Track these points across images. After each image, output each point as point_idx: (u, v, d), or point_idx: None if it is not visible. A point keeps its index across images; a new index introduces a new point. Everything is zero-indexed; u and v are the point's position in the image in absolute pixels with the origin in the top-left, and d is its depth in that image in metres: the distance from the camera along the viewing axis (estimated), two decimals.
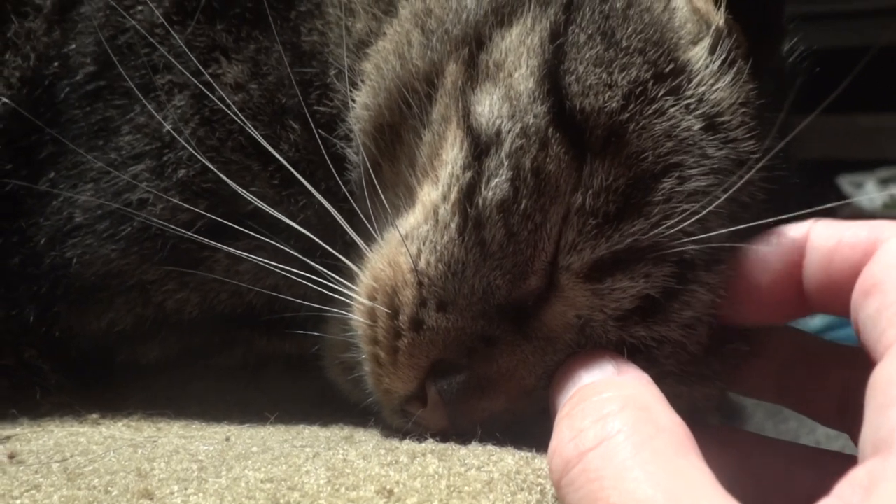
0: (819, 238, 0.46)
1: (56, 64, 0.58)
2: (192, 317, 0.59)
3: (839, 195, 2.68)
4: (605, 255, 0.48)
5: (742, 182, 0.48)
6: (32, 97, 0.58)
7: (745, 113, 0.51)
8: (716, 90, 0.50)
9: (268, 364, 0.64)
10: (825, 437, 1.11)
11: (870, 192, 2.62)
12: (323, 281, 0.53)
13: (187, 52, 0.56)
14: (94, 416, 0.55)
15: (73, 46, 0.58)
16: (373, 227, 0.55)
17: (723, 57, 0.51)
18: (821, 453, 0.52)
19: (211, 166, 0.54)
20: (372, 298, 0.53)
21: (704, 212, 0.47)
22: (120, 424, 0.54)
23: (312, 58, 0.58)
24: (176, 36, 0.56)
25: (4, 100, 0.57)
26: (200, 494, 0.42)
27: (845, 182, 2.71)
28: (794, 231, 0.47)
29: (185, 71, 0.56)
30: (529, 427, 0.50)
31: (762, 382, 0.54)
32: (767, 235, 0.48)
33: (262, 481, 0.44)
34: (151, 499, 0.42)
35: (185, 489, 0.43)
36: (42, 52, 0.58)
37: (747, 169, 0.49)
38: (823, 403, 0.49)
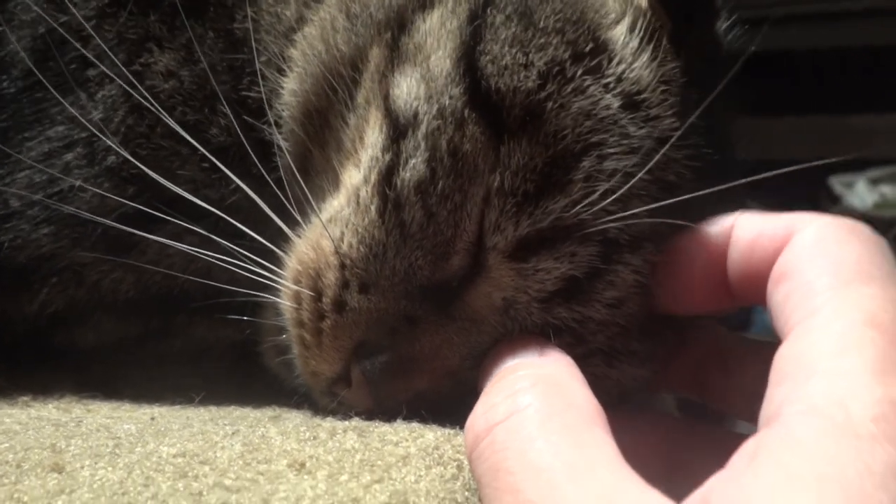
0: (742, 229, 0.47)
1: None
2: (129, 297, 0.59)
3: (830, 195, 2.68)
4: (530, 233, 0.48)
5: (660, 157, 0.48)
6: None
7: (666, 91, 0.51)
8: (635, 68, 0.51)
9: (209, 350, 0.64)
10: None
11: (860, 192, 2.61)
12: (250, 266, 0.54)
13: (117, 45, 0.56)
14: (26, 398, 0.56)
15: (11, 39, 0.59)
16: (303, 211, 0.55)
17: (641, 35, 0.51)
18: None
19: (129, 157, 0.55)
20: (297, 282, 0.53)
21: (624, 188, 0.48)
22: (50, 406, 0.55)
23: (245, 44, 0.59)
24: (105, 29, 0.57)
25: None
26: (110, 468, 0.42)
27: (836, 182, 2.70)
28: (720, 223, 0.48)
29: (115, 62, 0.56)
30: (460, 407, 0.51)
31: (682, 377, 0.54)
32: (696, 227, 0.49)
33: (173, 456, 0.44)
34: (61, 472, 0.42)
35: (96, 463, 0.43)
36: None
37: (669, 147, 0.49)
38: (739, 398, 0.49)
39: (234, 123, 0.56)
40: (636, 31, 0.51)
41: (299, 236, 0.55)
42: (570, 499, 0.35)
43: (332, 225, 0.52)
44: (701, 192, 0.48)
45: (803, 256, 0.42)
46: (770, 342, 0.48)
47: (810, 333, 0.38)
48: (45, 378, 0.59)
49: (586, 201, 0.47)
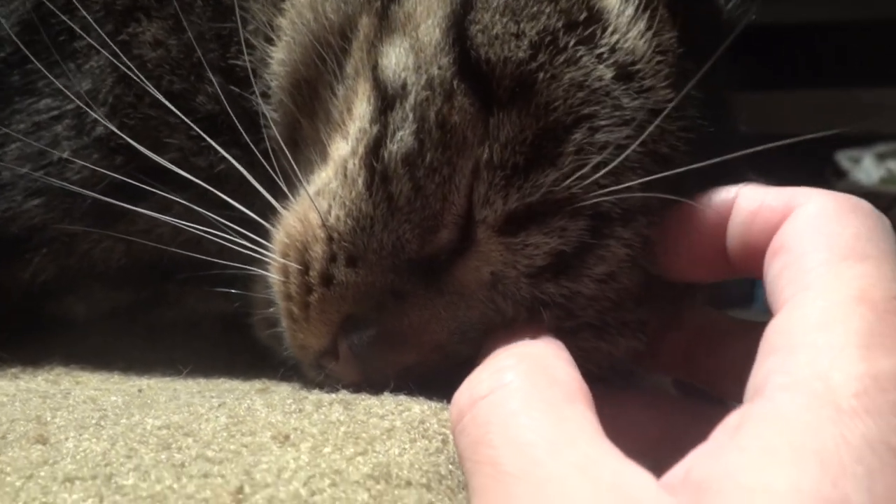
0: (744, 201, 0.46)
1: None
2: (121, 264, 0.59)
3: (836, 170, 2.66)
4: (519, 206, 0.47)
5: (654, 129, 0.47)
6: None
7: (661, 61, 0.50)
8: (629, 38, 0.49)
9: (200, 324, 0.64)
10: None
11: (867, 167, 2.59)
12: (237, 239, 0.53)
13: (104, 16, 0.56)
14: (15, 369, 0.56)
15: (1, 13, 0.59)
16: (291, 183, 0.55)
17: (637, 4, 0.50)
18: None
19: (115, 129, 0.55)
20: (285, 255, 0.53)
21: (616, 161, 0.47)
22: (39, 378, 0.55)
23: (232, 12, 0.58)
24: (85, 7, 0.56)
25: None
26: (94, 440, 0.43)
27: (843, 157, 2.68)
28: (724, 193, 0.47)
29: (101, 33, 0.56)
30: (448, 381, 0.50)
31: (672, 357, 0.54)
32: (699, 195, 0.48)
33: (158, 428, 0.44)
34: (45, 444, 0.43)
35: (80, 435, 0.43)
36: None
37: (664, 118, 0.48)
38: (727, 378, 0.49)
39: (221, 92, 0.56)
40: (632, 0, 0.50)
41: (287, 208, 0.55)
42: (550, 472, 0.35)
43: (319, 197, 0.52)
44: (695, 166, 0.47)
45: (801, 231, 0.42)
46: (759, 323, 0.48)
47: (800, 308, 0.38)
48: (35, 349, 0.59)
49: (578, 174, 0.47)
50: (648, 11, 0.50)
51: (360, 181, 0.50)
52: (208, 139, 0.54)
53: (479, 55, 0.48)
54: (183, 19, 0.57)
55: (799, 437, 0.32)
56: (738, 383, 0.46)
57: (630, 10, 0.50)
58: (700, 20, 0.52)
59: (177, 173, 0.54)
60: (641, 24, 0.50)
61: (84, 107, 0.56)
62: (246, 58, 0.56)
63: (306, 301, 0.51)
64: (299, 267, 0.52)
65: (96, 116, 0.55)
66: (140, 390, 0.52)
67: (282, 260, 0.53)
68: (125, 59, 0.55)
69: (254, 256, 0.55)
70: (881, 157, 2.58)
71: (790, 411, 0.33)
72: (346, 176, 0.51)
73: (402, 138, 0.49)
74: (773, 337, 0.38)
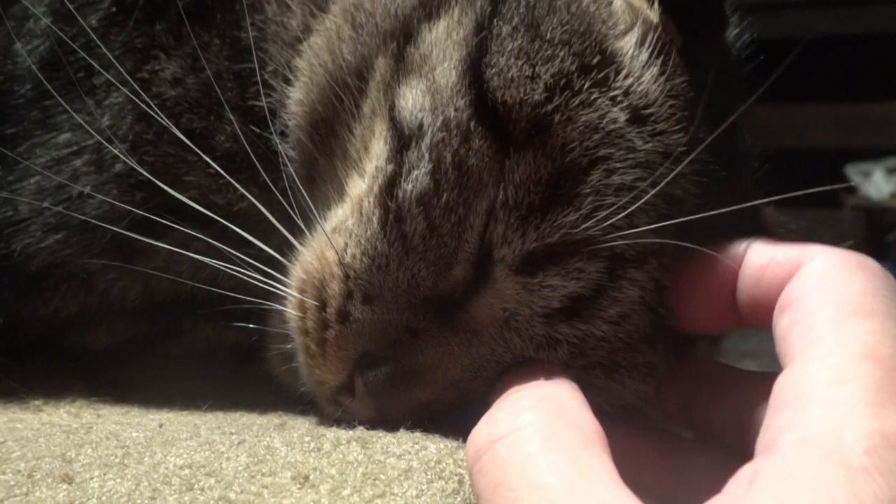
0: (754, 255, 0.48)
1: (8, 66, 0.60)
2: (136, 304, 0.60)
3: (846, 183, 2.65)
4: (538, 247, 0.48)
5: (672, 175, 0.48)
6: None
7: (674, 105, 0.50)
8: (643, 82, 0.50)
9: (216, 353, 0.65)
10: None
11: (877, 181, 2.59)
12: (255, 275, 0.54)
13: (124, 53, 0.57)
14: (38, 402, 0.57)
15: (20, 51, 0.60)
16: (308, 220, 0.56)
17: (651, 49, 0.51)
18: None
19: (136, 166, 0.55)
20: (302, 291, 0.54)
21: (636, 204, 0.48)
22: (61, 411, 0.56)
23: (251, 53, 0.59)
24: (111, 38, 0.57)
25: None
26: (118, 479, 0.43)
27: (853, 171, 2.68)
28: (735, 247, 0.49)
29: (121, 69, 0.57)
30: (462, 418, 0.51)
31: (674, 404, 0.54)
32: (711, 243, 0.50)
33: (180, 467, 0.45)
34: (71, 483, 0.43)
35: (105, 474, 0.44)
36: None
37: (675, 162, 0.49)
38: (729, 427, 0.50)
39: (240, 131, 0.57)
40: (646, 45, 0.51)
41: (304, 245, 0.55)
42: None
43: (336, 235, 0.53)
44: (707, 214, 0.48)
45: (809, 287, 0.43)
46: (760, 373, 0.51)
47: (809, 363, 0.39)
48: (56, 381, 0.60)
49: (596, 216, 0.47)
50: (662, 56, 0.51)
51: (376, 220, 0.51)
52: (228, 177, 0.55)
53: (495, 98, 0.49)
54: (201, 58, 0.58)
55: (812, 496, 0.32)
56: (739, 433, 0.47)
57: (644, 56, 0.51)
58: (710, 63, 0.52)
59: (196, 210, 0.55)
60: (654, 69, 0.51)
61: (104, 143, 0.57)
62: (263, 98, 0.57)
63: (323, 337, 0.52)
64: (316, 304, 0.53)
65: (116, 152, 0.56)
66: (161, 425, 0.53)
67: (299, 296, 0.54)
68: (145, 96, 0.56)
69: (270, 292, 0.55)
70: (891, 171, 2.58)
71: (803, 469, 0.34)
72: (361, 214, 0.52)
73: (418, 178, 0.49)
74: (783, 391, 0.39)
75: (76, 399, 0.58)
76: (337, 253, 0.52)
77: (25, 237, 0.58)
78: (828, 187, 0.50)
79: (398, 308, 0.51)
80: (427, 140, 0.50)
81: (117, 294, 0.60)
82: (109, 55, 0.57)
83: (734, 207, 0.48)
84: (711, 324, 0.52)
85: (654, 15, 0.51)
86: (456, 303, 0.51)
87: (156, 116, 0.55)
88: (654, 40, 0.51)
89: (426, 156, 0.50)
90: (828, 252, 0.44)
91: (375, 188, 0.51)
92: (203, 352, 0.64)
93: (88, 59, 0.57)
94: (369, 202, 0.52)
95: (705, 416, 0.52)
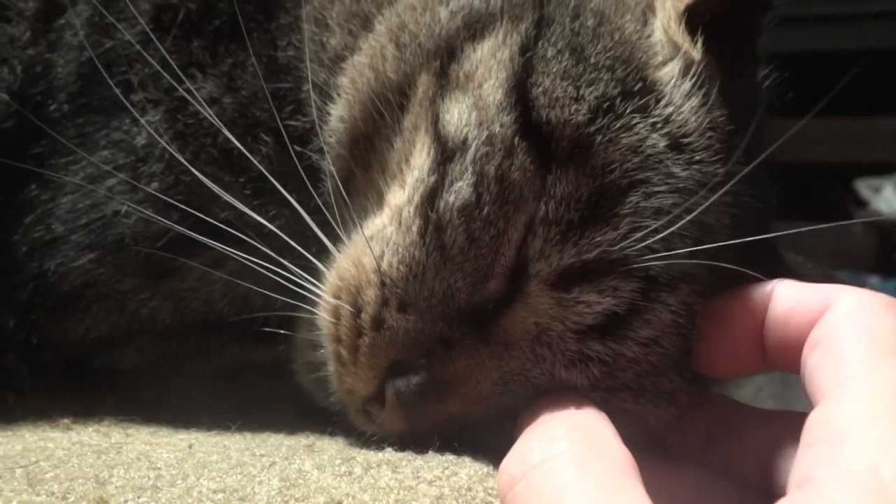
0: (781, 296, 0.49)
1: (43, 82, 0.60)
2: (166, 324, 0.60)
3: (856, 199, 2.65)
4: (574, 263, 0.49)
5: (707, 204, 0.49)
6: (21, 115, 0.59)
7: (712, 137, 0.52)
8: (683, 112, 0.52)
9: (242, 371, 0.65)
10: None
11: (888, 196, 2.58)
12: (289, 279, 0.54)
13: (160, 70, 0.57)
14: (67, 420, 0.57)
15: (59, 63, 0.60)
16: (342, 230, 0.56)
17: (693, 81, 0.52)
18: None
19: (196, 170, 0.56)
20: (336, 297, 0.54)
21: (672, 228, 0.49)
22: (90, 430, 0.56)
23: (287, 72, 0.60)
24: (149, 55, 0.57)
25: None
26: (152, 503, 0.44)
27: (863, 186, 2.67)
28: (761, 289, 0.49)
29: (158, 88, 0.57)
30: (489, 438, 0.51)
31: (691, 439, 0.54)
32: (735, 290, 0.51)
33: (214, 491, 0.45)
34: None
35: (139, 497, 0.44)
36: (28, 65, 0.60)
37: (710, 191, 0.49)
38: (745, 463, 0.50)
39: (276, 150, 0.57)
40: (688, 78, 0.52)
41: (340, 252, 0.55)
42: None
43: (373, 242, 0.53)
44: (737, 241, 0.49)
45: (840, 326, 0.43)
46: (779, 411, 0.52)
47: (843, 400, 0.39)
48: (84, 399, 0.60)
49: (633, 237, 0.48)
50: (703, 90, 0.52)
51: (415, 229, 0.51)
52: (279, 187, 0.55)
53: (540, 116, 0.50)
54: (237, 77, 0.58)
55: None
56: (760, 470, 0.48)
57: (687, 86, 0.52)
58: (745, 99, 0.54)
59: (230, 230, 0.55)
60: (695, 101, 0.52)
61: (139, 162, 0.57)
62: (307, 117, 0.58)
63: (356, 344, 0.52)
64: (351, 309, 0.53)
65: (151, 171, 0.57)
66: (190, 445, 0.53)
67: (333, 301, 0.54)
68: (186, 112, 0.56)
69: (298, 306, 0.56)
70: None
71: (843, 503, 0.34)
72: (400, 223, 0.52)
73: (460, 189, 0.50)
74: (817, 427, 0.39)
75: (104, 418, 0.58)
76: (374, 260, 0.52)
77: (58, 256, 0.58)
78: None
79: (432, 318, 0.51)
80: (471, 153, 0.51)
81: (148, 314, 0.60)
82: (147, 71, 0.57)
83: (763, 237, 0.49)
84: (738, 367, 0.53)
85: (695, 52, 0.53)
86: (489, 315, 0.51)
87: (192, 136, 0.55)
88: (696, 74, 0.52)
89: (469, 168, 0.50)
90: (856, 292, 0.45)
91: (416, 198, 0.52)
92: (229, 370, 0.64)
93: (126, 75, 0.57)
94: (409, 212, 0.52)
95: (725, 453, 0.52)
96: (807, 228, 0.54)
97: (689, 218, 0.49)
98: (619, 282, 0.49)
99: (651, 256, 0.48)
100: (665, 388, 0.52)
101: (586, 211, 0.49)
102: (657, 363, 0.51)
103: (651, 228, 0.48)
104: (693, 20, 0.53)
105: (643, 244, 0.48)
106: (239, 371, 0.65)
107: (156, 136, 0.56)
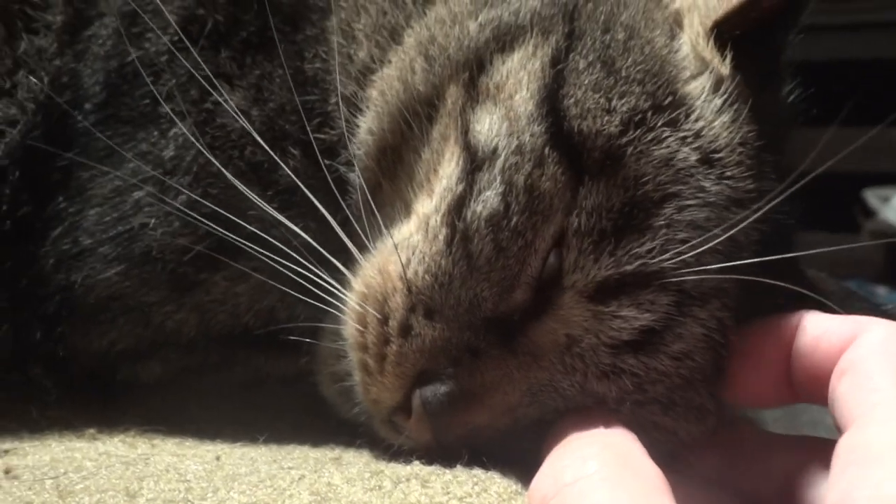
0: (810, 326, 0.49)
1: (69, 92, 0.60)
2: (191, 337, 0.60)
3: (865, 209, 2.64)
4: (613, 275, 0.49)
5: (745, 222, 0.49)
6: (47, 125, 0.59)
7: (742, 153, 0.52)
8: (714, 127, 0.52)
9: (264, 382, 0.65)
10: None
11: None
12: (317, 289, 0.54)
13: (188, 81, 0.57)
14: (92, 430, 0.57)
15: (85, 73, 0.60)
16: (368, 239, 0.56)
17: (724, 98, 0.53)
18: None
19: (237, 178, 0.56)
20: (363, 305, 0.54)
21: (710, 244, 0.49)
22: (116, 440, 0.56)
23: (315, 85, 0.60)
24: (177, 66, 0.57)
25: (20, 127, 0.58)
26: None
27: (871, 196, 2.67)
28: (789, 319, 0.50)
29: (186, 99, 0.57)
30: (515, 451, 0.51)
31: (711, 461, 0.54)
32: (763, 320, 0.51)
33: None
34: None
35: None
36: (54, 76, 0.60)
37: (744, 208, 0.50)
38: (768, 488, 0.50)
39: (304, 163, 0.57)
40: (719, 93, 0.53)
41: (365, 260, 0.55)
42: None
43: (399, 250, 0.53)
44: (766, 259, 0.50)
45: (869, 354, 0.44)
46: (798, 437, 0.53)
47: (874, 425, 0.40)
48: (108, 409, 0.60)
49: (670, 249, 0.48)
50: (736, 105, 0.52)
51: (442, 238, 0.51)
52: (311, 196, 0.56)
53: (571, 126, 0.50)
54: (265, 89, 0.58)
55: None
56: (784, 495, 0.48)
57: (718, 102, 0.52)
58: (770, 113, 0.55)
59: (257, 243, 0.55)
60: (726, 117, 0.52)
61: (167, 174, 0.57)
62: (335, 129, 0.58)
63: (383, 353, 0.52)
64: (378, 316, 0.52)
65: (178, 184, 0.57)
66: (218, 457, 0.53)
67: (359, 308, 0.53)
68: (213, 125, 0.56)
69: (327, 314, 0.55)
70: None
71: None
72: (427, 231, 0.52)
73: (488, 199, 0.50)
74: (850, 451, 0.40)
75: (129, 428, 0.57)
76: (401, 267, 0.52)
77: (85, 269, 0.58)
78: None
79: (459, 326, 0.51)
80: (500, 163, 0.51)
81: (173, 327, 0.60)
82: (174, 82, 0.57)
83: (790, 255, 0.50)
84: (765, 397, 0.53)
85: (725, 68, 0.53)
86: (515, 326, 0.51)
87: (220, 149, 0.55)
88: (726, 90, 0.52)
89: (498, 178, 0.50)
90: (885, 323, 0.46)
91: (443, 207, 0.52)
92: (252, 381, 0.64)
93: (153, 86, 0.57)
94: (436, 220, 0.52)
95: (746, 477, 0.52)
96: (844, 246, 0.54)
97: (726, 235, 0.49)
98: (655, 295, 0.49)
99: (687, 270, 0.48)
100: (695, 403, 0.52)
101: (620, 221, 0.49)
102: (688, 377, 0.51)
103: (688, 242, 0.48)
104: (721, 36, 0.53)
105: (679, 257, 0.48)
106: (261, 382, 0.65)
107: (192, 138, 0.56)
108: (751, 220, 0.49)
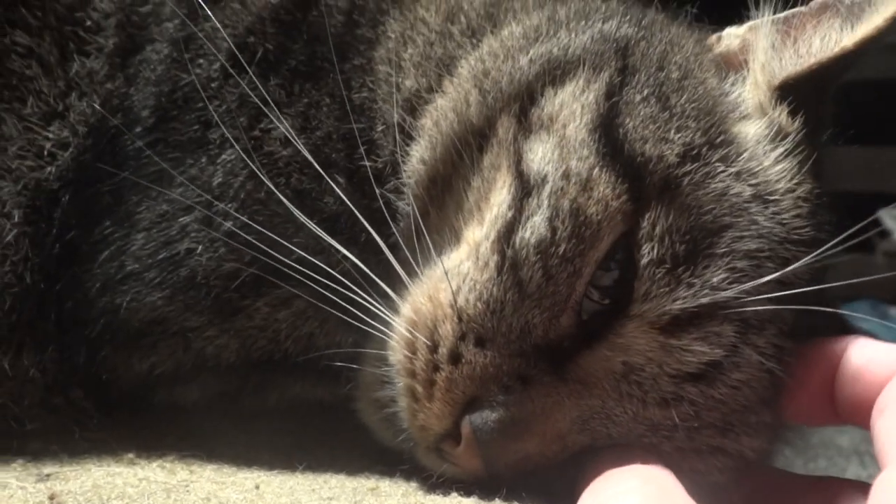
0: (854, 354, 0.50)
1: (119, 115, 0.60)
2: (230, 362, 0.60)
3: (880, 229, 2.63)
4: (689, 307, 0.49)
5: (799, 264, 0.51)
6: (97, 149, 0.59)
7: (803, 207, 0.53)
8: (770, 172, 0.54)
9: (300, 407, 0.65)
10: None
11: None
12: (361, 314, 0.54)
13: (238, 108, 0.58)
14: (131, 455, 0.56)
15: (135, 97, 0.60)
16: (416, 266, 0.56)
17: (785, 149, 0.54)
18: None
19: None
20: (411, 331, 0.53)
21: (774, 275, 0.50)
22: (154, 465, 0.56)
23: (361, 113, 0.60)
24: (227, 92, 0.58)
25: (71, 150, 0.59)
26: None
27: (887, 215, 2.66)
28: (837, 343, 0.51)
29: (235, 126, 0.57)
30: (560, 484, 0.51)
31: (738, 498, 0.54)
32: (812, 341, 0.52)
33: None
34: None
35: None
36: (105, 98, 0.60)
37: (795, 244, 0.52)
38: None
39: (349, 191, 0.57)
40: (781, 143, 0.54)
41: (414, 286, 0.55)
42: None
43: (450, 277, 0.53)
44: (817, 287, 0.51)
45: None
46: (822, 478, 0.53)
47: None
48: (146, 433, 0.60)
49: (734, 279, 0.49)
50: (799, 159, 0.54)
51: (492, 265, 0.52)
52: (366, 224, 0.56)
53: (633, 148, 0.51)
54: (312, 117, 0.58)
55: None
56: None
57: (779, 150, 0.54)
58: (822, 164, 0.57)
59: (299, 269, 0.55)
60: (786, 165, 0.54)
61: (214, 200, 0.57)
62: (381, 157, 0.59)
63: (431, 379, 0.52)
64: (428, 343, 0.52)
65: (225, 210, 0.57)
66: (257, 486, 0.53)
67: (409, 335, 0.53)
68: (261, 152, 0.56)
69: (369, 341, 0.56)
70: None
71: None
72: (478, 259, 0.53)
73: (536, 224, 0.51)
74: (885, 490, 0.40)
75: (167, 453, 0.57)
76: (451, 295, 0.52)
77: (130, 293, 0.58)
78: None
79: (510, 354, 0.51)
80: (548, 188, 0.51)
81: (214, 352, 0.60)
82: (224, 108, 0.57)
83: (835, 284, 0.54)
84: (810, 415, 0.54)
85: (787, 120, 0.55)
86: (565, 353, 0.51)
87: (267, 175, 0.56)
88: (790, 144, 0.54)
89: (545, 203, 0.51)
90: None
91: (493, 234, 0.52)
92: (289, 407, 0.64)
93: (204, 112, 0.58)
94: (486, 248, 0.52)
95: None
96: (865, 278, 0.54)
97: (789, 269, 0.50)
98: (721, 327, 0.49)
99: (749, 299, 0.49)
100: (752, 421, 0.52)
101: (691, 247, 0.49)
102: (745, 402, 0.51)
103: (746, 273, 0.49)
104: (786, 92, 0.55)
105: (741, 287, 0.49)
106: (298, 408, 0.65)
107: (247, 162, 0.57)
108: (809, 258, 0.51)
